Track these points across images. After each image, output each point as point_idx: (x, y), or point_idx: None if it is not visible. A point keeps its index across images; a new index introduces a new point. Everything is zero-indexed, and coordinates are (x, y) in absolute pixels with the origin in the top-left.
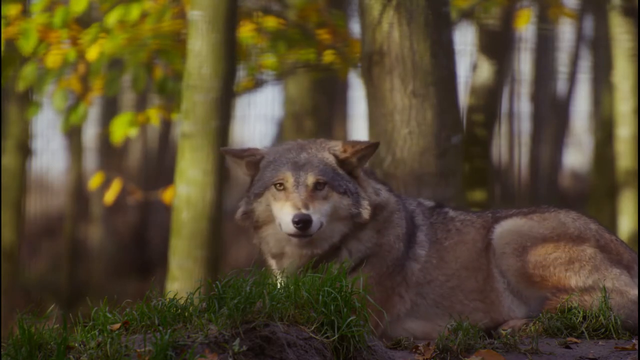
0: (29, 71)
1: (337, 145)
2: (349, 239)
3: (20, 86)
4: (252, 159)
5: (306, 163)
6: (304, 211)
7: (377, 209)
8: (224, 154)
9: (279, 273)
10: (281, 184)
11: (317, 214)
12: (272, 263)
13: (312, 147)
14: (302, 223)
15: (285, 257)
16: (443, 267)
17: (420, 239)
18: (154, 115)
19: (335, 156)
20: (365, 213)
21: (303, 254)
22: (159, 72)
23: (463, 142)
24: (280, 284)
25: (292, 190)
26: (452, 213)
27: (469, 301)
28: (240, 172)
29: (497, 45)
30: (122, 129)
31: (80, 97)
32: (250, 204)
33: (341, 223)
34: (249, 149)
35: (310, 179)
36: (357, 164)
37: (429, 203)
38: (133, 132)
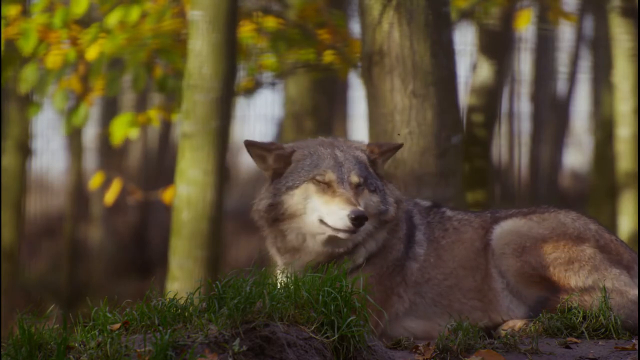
0: (29, 72)
1: (362, 145)
2: (369, 237)
3: (22, 88)
4: (282, 152)
5: (345, 161)
6: (360, 207)
7: (399, 206)
8: (249, 146)
9: (287, 268)
10: (324, 179)
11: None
12: (279, 259)
13: (343, 146)
14: (359, 220)
15: (302, 253)
16: (441, 265)
17: (419, 238)
18: (154, 116)
19: (367, 155)
20: (392, 210)
21: (323, 251)
22: (159, 71)
23: (463, 142)
24: (283, 280)
25: (337, 186)
26: (449, 212)
27: (467, 300)
28: (261, 166)
29: (497, 45)
30: (122, 129)
31: (80, 98)
32: (278, 196)
33: (373, 219)
34: (274, 143)
35: (354, 178)
36: (381, 164)
37: (426, 203)
38: (133, 132)
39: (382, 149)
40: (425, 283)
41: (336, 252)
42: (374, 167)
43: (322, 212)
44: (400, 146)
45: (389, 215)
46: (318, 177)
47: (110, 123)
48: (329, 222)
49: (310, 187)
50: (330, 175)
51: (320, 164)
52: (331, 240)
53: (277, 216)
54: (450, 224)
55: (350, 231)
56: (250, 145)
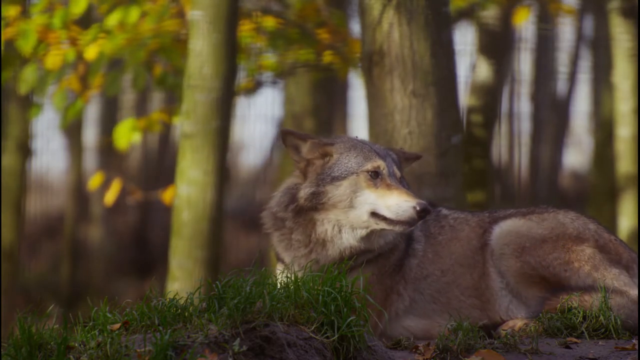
0: (29, 73)
1: (398, 151)
2: (379, 237)
3: (22, 89)
4: (319, 142)
5: (387, 156)
6: (423, 200)
7: None
8: (285, 134)
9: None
10: (376, 172)
11: None
12: (289, 254)
13: (374, 144)
14: (425, 212)
15: (330, 246)
16: (438, 261)
17: (416, 234)
18: (156, 120)
19: (398, 155)
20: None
21: (355, 246)
22: (159, 69)
23: (463, 142)
24: (284, 281)
25: (390, 180)
26: (445, 211)
27: (465, 298)
28: (294, 157)
29: (497, 45)
30: (126, 135)
31: (79, 97)
32: (322, 186)
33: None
34: (309, 134)
35: (398, 173)
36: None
37: None
38: (136, 137)
39: (405, 155)
40: (423, 279)
41: (366, 247)
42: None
43: (377, 205)
44: (419, 157)
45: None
46: (371, 171)
47: (111, 126)
48: (388, 215)
49: (361, 180)
50: (384, 169)
51: (371, 157)
52: (370, 235)
53: (317, 205)
54: (446, 222)
55: (413, 223)
56: (287, 134)
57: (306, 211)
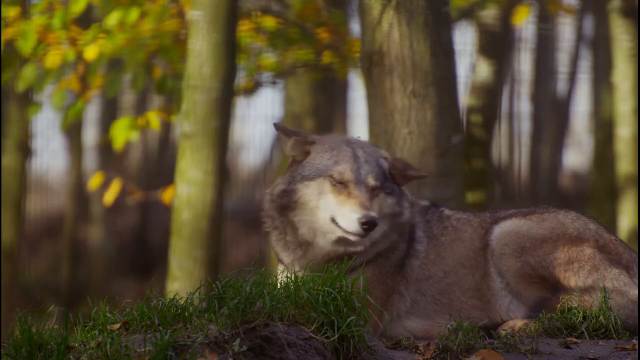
0: (28, 72)
1: (384, 154)
2: (382, 237)
3: (20, 86)
4: (301, 140)
5: (365, 162)
6: (372, 213)
7: (414, 210)
8: (276, 128)
9: (294, 265)
10: (341, 179)
11: (377, 215)
12: (287, 255)
13: (366, 148)
14: (370, 225)
15: (314, 248)
16: (440, 262)
17: (418, 235)
18: (154, 119)
19: (389, 163)
20: (407, 213)
21: (334, 250)
22: (158, 72)
23: (463, 142)
24: (283, 280)
25: (353, 187)
26: (447, 212)
27: (467, 299)
28: (285, 151)
29: (497, 45)
30: (123, 133)
31: (79, 96)
32: (293, 184)
33: (383, 222)
34: (299, 131)
35: (371, 181)
36: (399, 182)
37: (425, 202)
38: (134, 135)
39: (405, 172)
40: (425, 280)
41: (349, 251)
42: (393, 175)
43: (334, 212)
44: (424, 177)
45: (404, 218)
46: (336, 176)
47: (110, 125)
48: (340, 224)
49: (326, 184)
50: (348, 175)
51: (340, 162)
52: (342, 241)
53: (289, 203)
54: (449, 223)
55: (360, 235)
56: (277, 128)
57: (285, 210)
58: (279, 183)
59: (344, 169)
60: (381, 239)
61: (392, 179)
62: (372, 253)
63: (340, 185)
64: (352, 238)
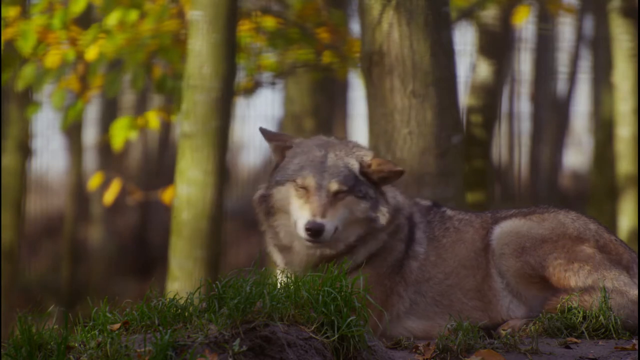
0: (28, 71)
1: (366, 155)
2: (369, 239)
3: (19, 85)
4: (280, 145)
5: (331, 166)
6: (318, 220)
7: (394, 215)
8: (260, 132)
9: (283, 268)
10: (302, 184)
11: (333, 220)
12: (277, 257)
13: (342, 150)
14: (313, 231)
15: (293, 252)
16: (441, 264)
17: (418, 236)
18: (153, 118)
19: (361, 164)
20: (383, 219)
21: (311, 253)
22: (158, 72)
23: (463, 142)
24: (283, 280)
25: (313, 192)
26: (449, 212)
27: (467, 300)
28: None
29: (497, 45)
30: (122, 133)
31: (79, 96)
32: (270, 189)
33: (358, 226)
34: (281, 135)
35: (333, 186)
36: (377, 181)
37: (426, 202)
38: (133, 135)
39: (380, 167)
40: (425, 282)
41: (325, 253)
42: (368, 178)
43: (295, 216)
44: (401, 172)
45: (379, 223)
46: (298, 181)
47: (109, 125)
48: (296, 228)
49: (292, 189)
50: (309, 181)
51: (305, 167)
52: (313, 245)
53: (269, 209)
54: (451, 224)
55: (309, 240)
56: (261, 132)
57: (267, 214)
58: (260, 187)
59: (306, 174)
60: (369, 240)
61: (367, 182)
62: (363, 255)
63: (303, 190)
64: (305, 243)
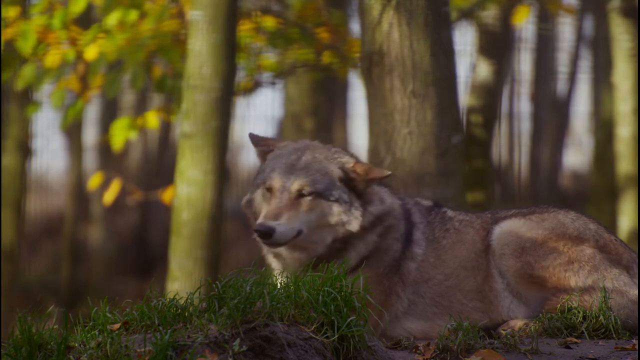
0: (27, 71)
1: (348, 163)
2: (355, 242)
3: (19, 85)
4: (263, 149)
5: (302, 168)
6: (268, 222)
7: (381, 217)
8: (249, 137)
9: (277, 271)
10: (269, 186)
11: (291, 223)
12: (272, 261)
13: (321, 154)
14: (260, 233)
15: (280, 257)
16: (441, 266)
17: (417, 237)
18: (153, 118)
19: (344, 171)
20: (356, 223)
21: (295, 257)
22: (158, 71)
23: (463, 142)
24: (281, 283)
25: (275, 194)
26: (450, 213)
27: (467, 301)
28: None
29: (497, 45)
30: (122, 133)
31: (79, 96)
32: (252, 193)
33: (332, 229)
34: (267, 139)
35: (295, 186)
36: (363, 187)
37: (427, 202)
38: (133, 135)
39: (368, 176)
40: (424, 283)
41: (306, 257)
42: (353, 183)
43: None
44: (388, 176)
45: (352, 228)
46: (266, 184)
47: (109, 125)
48: None
49: (260, 192)
50: (274, 183)
51: (272, 171)
52: (293, 246)
53: (253, 213)
54: (452, 225)
55: (263, 242)
56: (250, 137)
57: (254, 219)
58: (247, 192)
59: (272, 177)
60: (356, 242)
61: (345, 186)
62: (355, 259)
63: (269, 193)
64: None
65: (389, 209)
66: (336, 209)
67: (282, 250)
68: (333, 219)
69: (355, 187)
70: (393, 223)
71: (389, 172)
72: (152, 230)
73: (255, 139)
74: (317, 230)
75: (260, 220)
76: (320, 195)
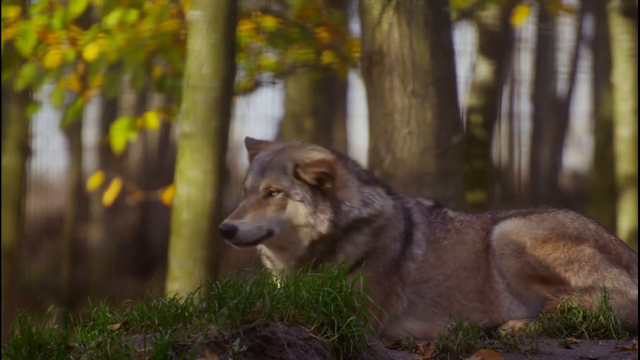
0: (27, 71)
1: (307, 159)
2: (342, 243)
3: (19, 85)
4: (252, 152)
5: (270, 168)
6: (231, 221)
7: (366, 219)
8: (244, 141)
9: (274, 273)
10: (244, 187)
11: (256, 222)
12: (267, 262)
13: (289, 152)
14: (222, 232)
15: (269, 258)
16: (441, 266)
17: (418, 237)
18: (153, 119)
19: (295, 165)
20: (322, 227)
21: (280, 258)
22: (158, 71)
23: (463, 142)
24: (280, 283)
25: (248, 195)
26: (451, 213)
27: (467, 301)
28: None
29: (497, 45)
30: (122, 134)
31: (79, 96)
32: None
33: (306, 229)
34: (259, 143)
35: (263, 185)
36: (315, 184)
37: (428, 202)
38: (133, 136)
39: (310, 169)
40: (424, 283)
41: (290, 258)
42: (301, 178)
43: None
44: (324, 173)
45: (321, 230)
46: (242, 185)
47: (110, 126)
48: None
49: (242, 193)
50: (247, 183)
51: (251, 170)
52: (275, 247)
53: None
54: (452, 225)
55: (229, 242)
56: (245, 140)
57: None
58: None
59: (246, 178)
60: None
61: (305, 185)
62: (354, 258)
63: (244, 193)
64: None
65: (376, 211)
66: (302, 209)
67: (266, 251)
68: (302, 220)
69: (310, 183)
70: (383, 224)
71: (327, 171)
72: (152, 230)
73: (249, 143)
74: (293, 231)
75: (225, 219)
76: (287, 194)
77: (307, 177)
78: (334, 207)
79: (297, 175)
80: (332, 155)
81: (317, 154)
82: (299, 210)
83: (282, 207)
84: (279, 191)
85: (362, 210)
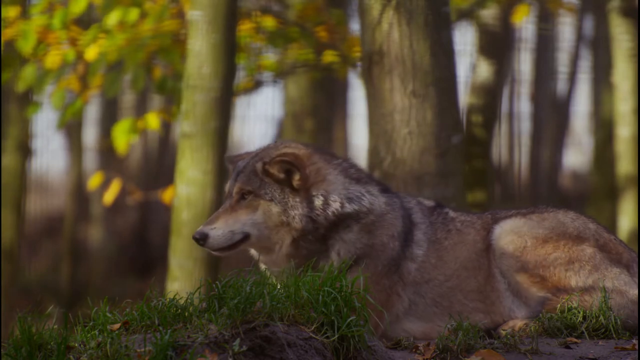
0: (28, 72)
1: (271, 155)
2: (330, 241)
3: (20, 87)
4: (233, 167)
5: (243, 171)
6: (203, 229)
7: (352, 215)
8: (225, 160)
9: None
10: (224, 194)
11: (230, 226)
12: (261, 263)
13: (262, 153)
14: (196, 240)
15: (263, 263)
16: (442, 266)
17: (418, 237)
18: (154, 120)
19: (263, 163)
20: (295, 222)
21: (268, 259)
22: (158, 72)
23: (463, 142)
24: (280, 284)
25: (226, 200)
26: (452, 214)
27: (468, 301)
28: None
29: (497, 45)
30: (124, 136)
31: (79, 96)
32: None
33: (284, 228)
34: (239, 155)
35: (235, 189)
36: (284, 178)
37: (429, 203)
38: (134, 137)
39: (267, 164)
40: (425, 283)
41: (276, 258)
42: (270, 176)
43: None
44: (288, 161)
45: (295, 226)
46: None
47: (110, 126)
48: None
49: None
50: (225, 189)
51: (231, 175)
52: (266, 248)
53: None
54: (453, 225)
55: (205, 248)
56: (225, 160)
57: None
58: None
59: (226, 185)
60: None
61: (274, 183)
62: (347, 256)
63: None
64: None
65: (363, 208)
66: (274, 209)
67: (253, 252)
68: (276, 219)
69: (280, 179)
70: (374, 220)
71: (289, 160)
72: (152, 230)
73: (229, 160)
74: (270, 231)
75: (199, 227)
76: (257, 194)
77: (273, 170)
78: (307, 201)
79: (266, 173)
80: (307, 150)
81: (287, 149)
82: (271, 210)
83: (255, 208)
84: (249, 193)
85: (347, 206)
